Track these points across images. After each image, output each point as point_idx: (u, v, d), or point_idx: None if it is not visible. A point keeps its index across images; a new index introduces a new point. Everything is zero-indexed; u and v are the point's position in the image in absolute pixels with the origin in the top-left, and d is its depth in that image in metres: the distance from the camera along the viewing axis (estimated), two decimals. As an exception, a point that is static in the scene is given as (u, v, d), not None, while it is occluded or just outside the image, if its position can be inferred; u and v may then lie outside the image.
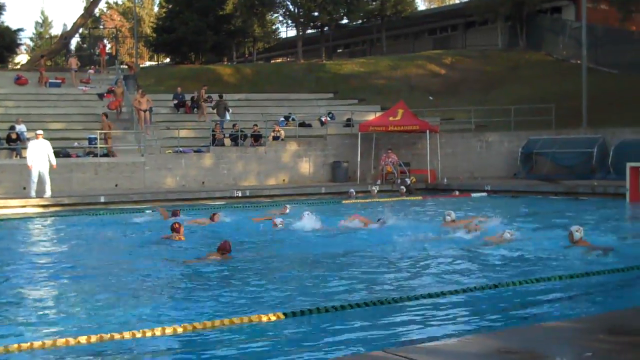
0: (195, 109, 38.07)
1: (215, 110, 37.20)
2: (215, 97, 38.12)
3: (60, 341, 7.96)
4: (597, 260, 13.17)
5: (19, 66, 56.79)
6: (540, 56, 48.75)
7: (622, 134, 31.90)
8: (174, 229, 16.11)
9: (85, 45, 75.45)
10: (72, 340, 7.97)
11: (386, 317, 9.36)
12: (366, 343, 8.14)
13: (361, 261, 13.82)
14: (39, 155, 26.26)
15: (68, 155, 31.21)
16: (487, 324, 9.02)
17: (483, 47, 53.78)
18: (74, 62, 42.78)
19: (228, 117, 36.86)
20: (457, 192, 29.18)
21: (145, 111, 33.93)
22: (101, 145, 31.63)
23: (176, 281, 12.09)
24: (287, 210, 21.33)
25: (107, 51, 55.97)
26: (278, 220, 18.52)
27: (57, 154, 30.48)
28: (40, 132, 27.19)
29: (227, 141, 34.26)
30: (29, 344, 7.84)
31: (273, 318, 8.99)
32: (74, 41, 69.90)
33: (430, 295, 10.24)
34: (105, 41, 74.03)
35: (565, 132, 34.02)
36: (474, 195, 28.78)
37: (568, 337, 6.61)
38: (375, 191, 29.38)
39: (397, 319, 9.29)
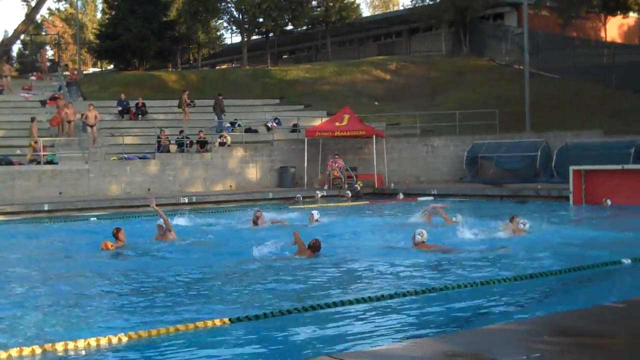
0: (140, 116, 37.73)
1: (213, 110, 37.26)
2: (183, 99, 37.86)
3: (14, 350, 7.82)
4: (540, 261, 13.34)
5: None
6: (484, 62, 49.32)
7: (565, 138, 32.35)
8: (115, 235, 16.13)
9: (27, 52, 74.38)
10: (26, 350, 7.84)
11: (331, 321, 9.34)
12: (311, 348, 8.11)
13: (310, 264, 13.80)
14: None
15: (10, 163, 30.71)
16: (432, 327, 9.04)
17: (427, 53, 54.26)
18: (7, 68, 42.09)
19: (223, 117, 36.95)
20: (401, 196, 29.32)
21: (92, 126, 33.09)
22: (44, 153, 31.17)
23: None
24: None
25: (49, 58, 55.30)
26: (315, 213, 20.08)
27: (-1, 162, 30.14)
28: None
29: (173, 147, 34.00)
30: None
31: (218, 323, 8.92)
32: (16, 48, 68.96)
33: (376, 299, 10.24)
34: (48, 47, 73.20)
35: (509, 136, 34.42)
36: (420, 199, 28.94)
37: (514, 339, 6.65)
38: (319, 196, 29.39)
39: (344, 323, 9.27)
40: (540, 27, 45.96)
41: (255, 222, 19.60)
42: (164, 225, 16.77)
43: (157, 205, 25.75)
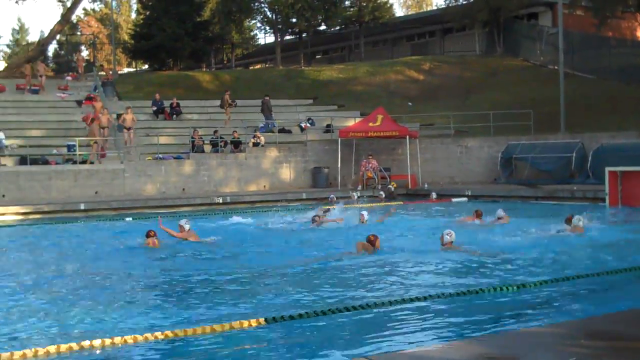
0: (174, 116, 38.00)
1: (261, 111, 37.86)
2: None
3: (52, 348, 7.94)
4: (579, 263, 13.28)
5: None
6: (518, 62, 49.06)
7: (600, 139, 32.08)
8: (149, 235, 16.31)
9: (62, 52, 75.09)
10: (63, 347, 7.97)
11: (369, 323, 9.37)
12: (347, 349, 8.15)
13: (345, 265, 13.85)
14: None
15: (47, 163, 31.06)
16: (468, 330, 9.04)
17: (461, 53, 54.05)
18: (42, 68, 42.55)
19: (272, 117, 37.40)
20: (434, 196, 29.24)
21: (129, 129, 33.39)
22: (80, 152, 31.51)
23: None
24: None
25: (84, 58, 55.84)
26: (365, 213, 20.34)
27: (36, 162, 30.49)
28: None
29: (207, 147, 34.19)
30: (7, 354, 7.81)
31: (254, 324, 8.99)
32: (52, 48, 69.67)
33: (411, 300, 10.26)
34: (83, 47, 73.85)
35: (544, 137, 34.18)
36: (454, 200, 28.89)
37: (549, 342, 6.64)
38: (356, 197, 29.42)
39: (379, 325, 9.30)
40: (575, 27, 45.63)
41: (315, 221, 19.80)
42: (185, 226, 16.84)
43: (189, 205, 26.12)
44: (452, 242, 14.97)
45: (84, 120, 34.11)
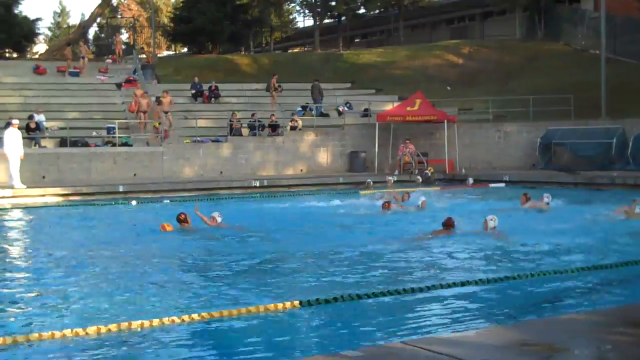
0: (213, 99, 38.16)
1: (311, 94, 38.11)
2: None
3: (92, 329, 8.07)
4: (617, 251, 13.17)
5: (37, 55, 56.97)
6: (559, 46, 48.51)
7: (642, 125, 31.70)
8: (181, 220, 16.46)
9: (103, 35, 75.67)
10: (103, 329, 8.08)
11: (405, 308, 9.38)
12: (385, 334, 8.18)
13: (383, 249, 13.89)
14: (17, 144, 26.09)
15: (87, 145, 31.36)
16: (505, 316, 9.02)
17: (501, 37, 53.59)
18: (84, 49, 42.91)
19: (321, 100, 37.81)
20: (470, 181, 29.04)
21: (167, 112, 33.45)
22: (120, 135, 31.80)
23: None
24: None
25: (124, 41, 56.23)
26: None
27: (76, 144, 30.81)
28: (16, 121, 26.82)
29: (245, 131, 34.30)
30: (48, 333, 7.94)
31: (289, 306, 9.04)
32: (92, 31, 70.19)
33: (448, 286, 10.26)
34: (123, 31, 74.31)
35: (584, 122, 33.81)
36: (492, 185, 28.74)
37: (586, 329, 6.61)
38: (392, 181, 29.37)
39: (416, 310, 9.31)
40: (618, 11, 44.92)
41: (385, 207, 19.85)
42: (218, 218, 16.83)
43: (227, 188, 26.28)
44: (495, 227, 14.96)
45: (131, 110, 34.09)
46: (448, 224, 15.05)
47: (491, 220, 15.03)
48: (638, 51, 42.49)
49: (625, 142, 31.27)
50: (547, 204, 19.95)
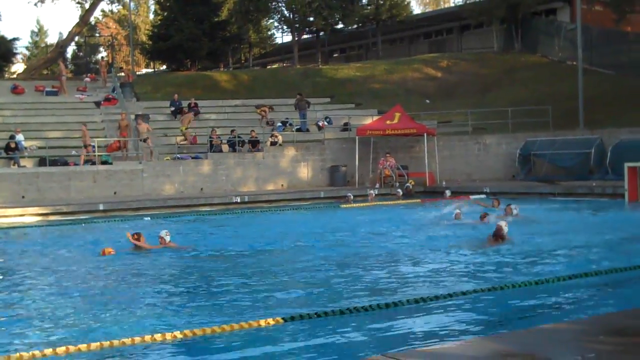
0: (195, 116, 38.06)
1: (295, 108, 38.37)
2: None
3: (61, 349, 7.98)
4: (596, 260, 13.21)
5: (15, 75, 56.72)
6: (536, 58, 48.79)
7: (619, 134, 31.86)
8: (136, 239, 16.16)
9: (81, 54, 75.44)
10: (72, 348, 7.99)
11: (385, 320, 9.37)
12: (367, 348, 8.15)
13: (365, 263, 13.88)
14: None
15: (66, 164, 31.21)
16: (486, 327, 9.01)
17: (479, 50, 53.83)
18: (62, 68, 42.78)
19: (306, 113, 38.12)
20: (448, 193, 29.03)
21: (144, 140, 33.01)
22: (99, 153, 31.66)
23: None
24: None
25: (103, 58, 56.09)
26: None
27: (55, 163, 30.65)
28: None
29: (225, 147, 34.25)
30: (28, 354, 7.86)
31: (272, 322, 8.99)
32: (70, 49, 69.96)
33: (429, 299, 10.24)
34: (101, 49, 74.14)
35: (563, 133, 33.98)
36: (472, 197, 28.77)
37: (568, 339, 6.61)
38: (373, 195, 29.40)
39: (397, 322, 9.29)
40: (594, 23, 45.28)
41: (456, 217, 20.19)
42: (166, 237, 16.31)
43: (207, 204, 26.24)
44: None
45: (114, 146, 33.70)
46: (498, 235, 15.13)
47: (505, 226, 15.24)
48: (614, 62, 42.82)
49: (603, 152, 31.45)
50: (517, 214, 20.05)
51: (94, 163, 31.40)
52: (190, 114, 35.40)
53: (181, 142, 34.46)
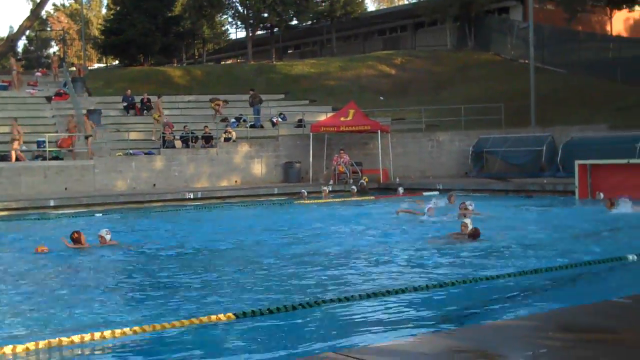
0: (145, 111, 37.75)
1: (250, 105, 38.43)
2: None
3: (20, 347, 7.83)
4: (546, 256, 13.33)
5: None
6: (489, 56, 49.21)
7: (570, 132, 32.25)
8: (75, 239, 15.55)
9: (32, 48, 74.45)
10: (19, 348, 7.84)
11: (338, 316, 9.35)
12: (317, 344, 8.11)
13: (319, 259, 13.84)
14: None
15: (15, 160, 30.72)
16: (437, 323, 9.02)
17: (432, 48, 54.11)
18: (13, 62, 42.21)
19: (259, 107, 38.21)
20: (401, 191, 29.15)
21: (88, 137, 32.43)
22: (50, 149, 31.22)
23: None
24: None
25: (55, 53, 55.29)
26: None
27: (4, 158, 30.14)
28: None
29: (178, 143, 34.01)
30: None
31: (223, 319, 8.91)
32: (21, 44, 68.98)
33: (381, 294, 10.23)
34: (53, 43, 73.23)
35: (515, 130, 34.31)
36: (425, 194, 28.90)
37: (519, 335, 6.63)
38: (327, 191, 29.39)
39: (349, 318, 9.28)
40: (546, 21, 45.78)
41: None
42: (106, 236, 15.89)
43: (160, 200, 26.02)
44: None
45: (63, 145, 33.11)
46: (472, 235, 15.16)
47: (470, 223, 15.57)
48: (566, 60, 43.36)
49: (554, 149, 31.83)
50: (472, 210, 20.17)
51: (44, 159, 30.96)
52: (89, 122, 33.33)
53: (156, 130, 34.55)
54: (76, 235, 15.60)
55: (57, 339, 8.06)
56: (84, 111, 34.76)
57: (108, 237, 15.87)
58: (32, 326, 9.17)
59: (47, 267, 13.87)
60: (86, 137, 32.24)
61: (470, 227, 15.33)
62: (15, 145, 30.67)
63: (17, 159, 30.39)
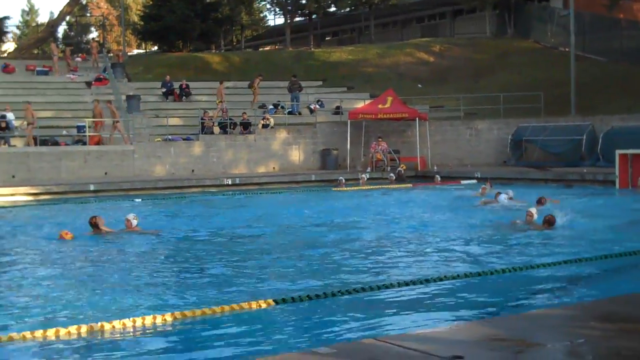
0: (184, 97, 37.98)
1: (289, 91, 38.48)
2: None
3: (51, 331, 7.95)
4: (586, 247, 13.25)
5: (5, 54, 56.44)
6: (529, 44, 48.76)
7: (611, 121, 31.96)
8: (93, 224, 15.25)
9: (72, 33, 75.04)
10: (62, 331, 7.96)
11: (376, 303, 9.38)
12: (357, 331, 8.16)
13: (358, 246, 13.88)
14: None
15: (57, 144, 31.14)
16: (476, 311, 9.03)
17: (471, 35, 53.73)
18: (54, 47, 42.62)
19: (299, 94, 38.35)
20: (438, 178, 29.19)
21: (115, 122, 32.41)
22: (91, 134, 31.52)
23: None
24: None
25: (94, 39, 55.78)
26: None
27: (45, 142, 30.53)
28: None
29: (216, 129, 34.19)
30: (20, 334, 7.83)
31: (264, 305, 8.98)
32: (61, 29, 69.59)
33: (420, 282, 10.25)
34: (93, 29, 73.78)
35: (555, 119, 34.06)
36: (463, 182, 28.84)
37: (557, 324, 6.63)
38: (365, 179, 29.44)
39: (388, 306, 9.30)
40: (587, 9, 45.22)
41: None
42: (133, 221, 15.57)
43: (198, 186, 26.17)
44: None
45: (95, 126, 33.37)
46: (548, 221, 15.16)
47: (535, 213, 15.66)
48: (606, 48, 42.85)
49: (595, 138, 31.53)
50: (511, 198, 20.16)
51: (84, 143, 31.29)
52: (113, 107, 33.36)
53: (217, 116, 34.76)
54: (94, 220, 15.27)
55: (99, 323, 8.18)
56: (123, 97, 35.06)
57: (135, 222, 15.55)
58: (79, 309, 9.30)
59: (68, 252, 13.73)
60: (114, 123, 32.41)
61: (535, 216, 15.45)
62: (29, 129, 30.89)
63: (28, 144, 30.63)
